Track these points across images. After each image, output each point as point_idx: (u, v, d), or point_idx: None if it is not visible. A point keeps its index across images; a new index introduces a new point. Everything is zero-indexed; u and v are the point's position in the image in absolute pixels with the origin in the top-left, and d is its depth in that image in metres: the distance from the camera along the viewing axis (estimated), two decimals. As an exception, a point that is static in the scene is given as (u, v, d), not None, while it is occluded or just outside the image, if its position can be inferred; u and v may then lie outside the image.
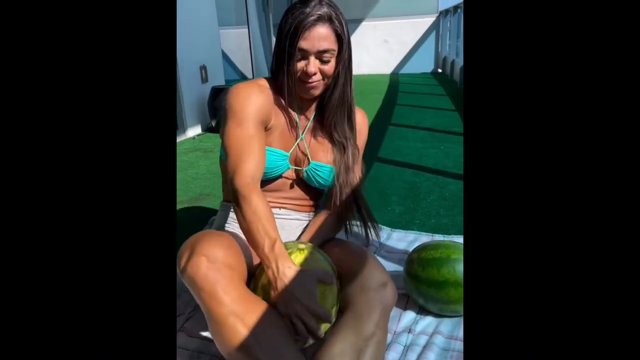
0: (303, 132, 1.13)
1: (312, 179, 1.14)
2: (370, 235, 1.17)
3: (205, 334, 1.13)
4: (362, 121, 1.21)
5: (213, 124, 3.72)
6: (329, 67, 1.02)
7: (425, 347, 1.06)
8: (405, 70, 8.46)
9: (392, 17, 8.25)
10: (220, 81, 4.17)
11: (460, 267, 1.12)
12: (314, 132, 1.15)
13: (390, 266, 1.45)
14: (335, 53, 1.01)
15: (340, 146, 1.13)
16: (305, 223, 1.19)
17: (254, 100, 1.02)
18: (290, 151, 1.12)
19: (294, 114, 1.11)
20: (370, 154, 2.74)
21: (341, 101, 1.09)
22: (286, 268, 0.87)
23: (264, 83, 1.08)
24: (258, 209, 0.92)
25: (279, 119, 1.10)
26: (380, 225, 1.76)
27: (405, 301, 1.25)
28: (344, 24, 1.02)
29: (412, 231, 1.71)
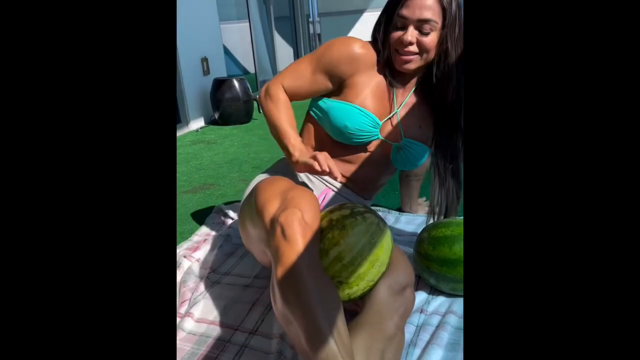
0: (399, 107, 1.08)
1: (404, 155, 1.09)
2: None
3: (212, 318, 1.10)
4: None
5: (216, 116, 3.69)
6: (429, 41, 0.96)
7: (439, 327, 1.02)
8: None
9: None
10: (222, 73, 4.14)
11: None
12: (410, 109, 1.09)
13: (400, 248, 1.41)
14: (438, 26, 0.96)
15: (443, 128, 1.07)
16: None
17: (344, 50, 1.04)
18: (383, 121, 1.08)
19: (390, 86, 1.07)
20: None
21: (447, 80, 1.01)
22: (305, 151, 1.02)
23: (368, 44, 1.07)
24: (288, 105, 1.08)
25: (371, 79, 1.06)
26: (387, 209, 1.73)
27: (416, 282, 1.22)
28: None
29: (421, 215, 1.67)
